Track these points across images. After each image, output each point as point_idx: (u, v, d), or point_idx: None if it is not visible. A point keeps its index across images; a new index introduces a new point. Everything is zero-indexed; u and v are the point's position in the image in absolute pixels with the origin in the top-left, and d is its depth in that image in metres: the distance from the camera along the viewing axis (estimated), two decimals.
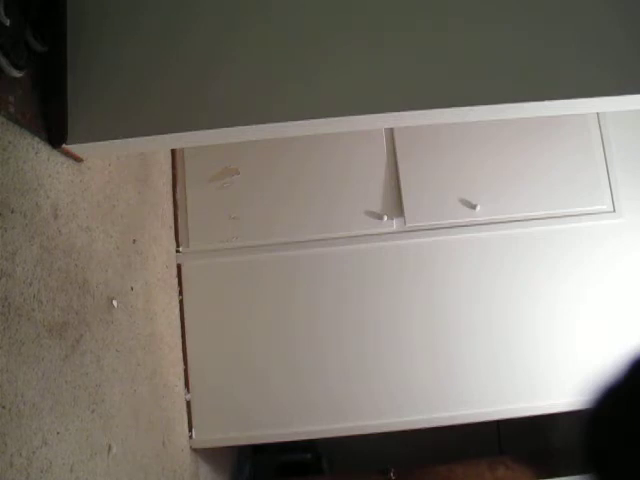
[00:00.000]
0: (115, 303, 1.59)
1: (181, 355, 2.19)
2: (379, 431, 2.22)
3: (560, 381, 2.14)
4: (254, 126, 1.36)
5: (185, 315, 2.22)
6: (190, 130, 1.37)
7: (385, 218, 2.19)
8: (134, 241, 1.82)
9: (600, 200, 2.21)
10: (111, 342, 1.56)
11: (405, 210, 2.21)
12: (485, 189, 2.22)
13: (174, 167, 2.30)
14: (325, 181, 2.26)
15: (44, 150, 1.30)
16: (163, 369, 1.96)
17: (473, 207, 2.19)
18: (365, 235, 2.22)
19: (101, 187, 1.60)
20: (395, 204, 2.23)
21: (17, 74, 1.16)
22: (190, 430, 2.19)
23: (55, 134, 1.32)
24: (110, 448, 1.48)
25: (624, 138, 2.26)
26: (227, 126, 1.36)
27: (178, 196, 2.28)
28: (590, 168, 2.23)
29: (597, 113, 2.25)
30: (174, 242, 2.23)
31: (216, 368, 2.23)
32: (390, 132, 2.27)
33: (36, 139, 1.27)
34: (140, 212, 1.89)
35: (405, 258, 2.22)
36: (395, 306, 2.21)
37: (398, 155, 2.25)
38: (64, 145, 1.34)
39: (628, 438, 0.50)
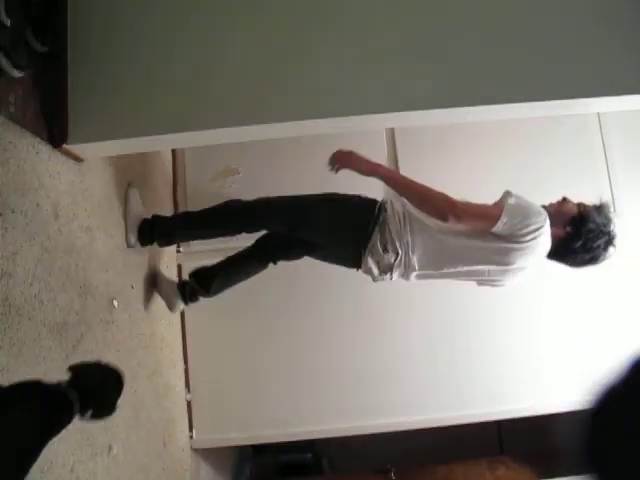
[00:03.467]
0: (116, 303, 1.59)
1: (181, 355, 2.19)
2: (379, 431, 2.22)
3: (560, 381, 2.15)
4: (254, 126, 1.36)
5: (185, 315, 2.23)
6: (190, 130, 1.37)
7: None
8: None
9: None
10: (112, 342, 1.56)
11: None
12: (486, 189, 2.21)
13: (174, 167, 2.30)
14: (325, 181, 2.25)
15: (45, 150, 1.30)
16: (163, 369, 1.96)
17: None
18: None
19: (102, 187, 1.60)
20: None
21: (18, 74, 1.16)
22: (191, 430, 2.19)
23: (56, 134, 1.32)
24: (110, 448, 1.48)
25: (625, 139, 2.26)
26: (227, 126, 1.36)
27: (178, 196, 2.27)
28: (590, 168, 2.23)
29: (597, 114, 2.25)
30: None
31: (216, 368, 2.23)
32: (390, 132, 2.27)
33: (37, 139, 1.27)
34: None
35: None
36: (395, 306, 2.21)
37: (398, 155, 2.25)
38: (65, 145, 1.34)
39: (628, 438, 0.50)
